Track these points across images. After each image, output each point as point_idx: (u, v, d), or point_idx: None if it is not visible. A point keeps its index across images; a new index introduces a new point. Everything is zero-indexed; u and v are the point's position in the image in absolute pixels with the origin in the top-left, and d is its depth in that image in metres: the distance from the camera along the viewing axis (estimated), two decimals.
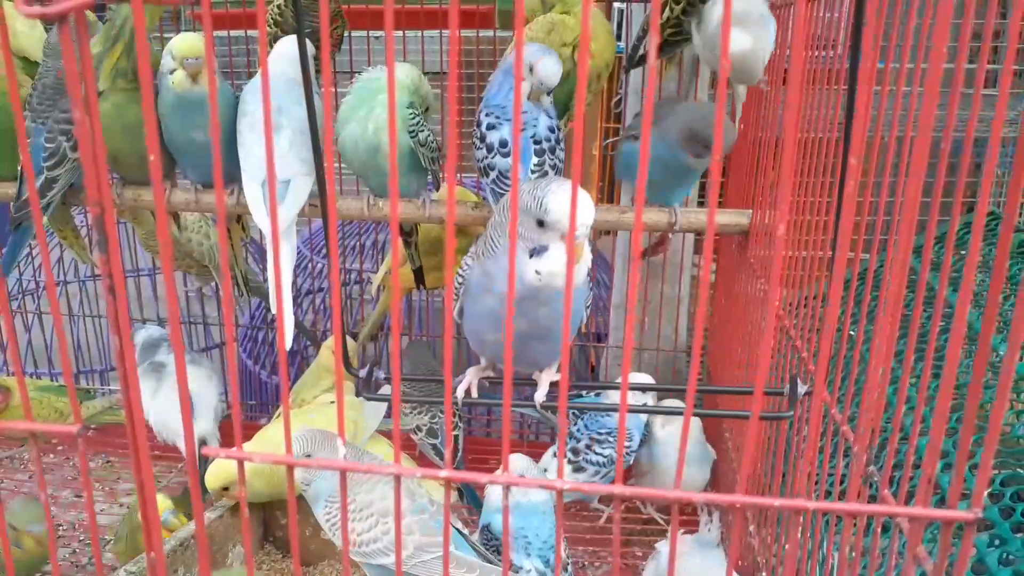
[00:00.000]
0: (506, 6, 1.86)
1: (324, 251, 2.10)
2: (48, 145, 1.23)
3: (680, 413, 1.44)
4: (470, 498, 1.54)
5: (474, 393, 0.90)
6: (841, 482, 0.74)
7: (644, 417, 1.47)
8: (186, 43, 1.18)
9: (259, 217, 1.19)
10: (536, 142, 1.04)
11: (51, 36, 1.31)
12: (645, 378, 1.47)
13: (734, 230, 1.33)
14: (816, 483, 0.82)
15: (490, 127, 1.10)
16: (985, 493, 0.49)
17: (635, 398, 1.40)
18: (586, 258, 0.74)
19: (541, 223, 0.73)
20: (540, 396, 0.86)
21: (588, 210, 0.73)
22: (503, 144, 1.07)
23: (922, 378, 0.60)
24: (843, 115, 0.84)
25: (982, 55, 0.55)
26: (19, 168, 1.31)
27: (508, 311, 0.48)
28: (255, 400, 2.12)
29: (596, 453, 1.42)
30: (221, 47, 1.81)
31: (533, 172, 1.05)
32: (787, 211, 0.45)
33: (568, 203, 0.72)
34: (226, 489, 1.34)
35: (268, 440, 1.38)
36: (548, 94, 1.10)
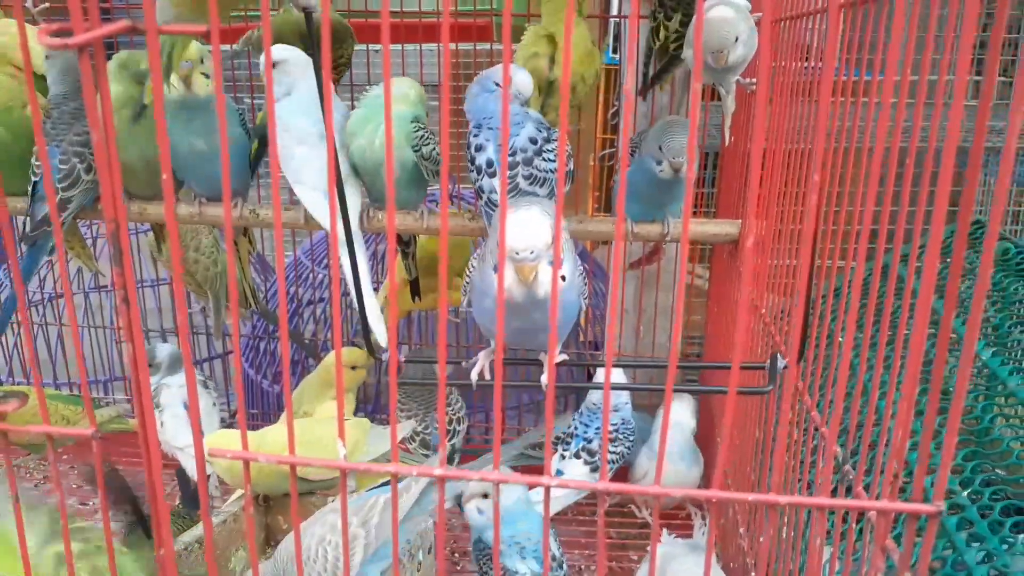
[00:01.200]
0: (515, 22, 1.90)
1: (325, 262, 2.13)
2: (62, 167, 1.27)
3: (662, 389, 1.47)
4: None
5: (487, 376, 0.95)
6: (812, 470, 0.77)
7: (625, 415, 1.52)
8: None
9: (326, 222, 1.25)
10: (511, 154, 1.09)
11: (67, 59, 1.33)
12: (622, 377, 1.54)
13: (724, 240, 1.36)
14: (799, 479, 0.85)
15: (478, 148, 1.13)
16: (946, 488, 0.52)
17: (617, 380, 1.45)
18: (540, 281, 0.79)
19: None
20: (546, 378, 0.91)
21: (527, 238, 0.78)
22: (489, 164, 1.12)
23: (891, 376, 0.63)
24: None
25: (961, 64, 0.58)
26: (29, 185, 1.35)
27: (499, 331, 0.51)
28: (257, 409, 2.15)
29: (610, 451, 1.46)
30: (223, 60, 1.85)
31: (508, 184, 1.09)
32: (754, 223, 0.48)
33: (519, 228, 0.79)
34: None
35: (272, 441, 1.40)
36: (524, 104, 1.15)
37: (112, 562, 0.63)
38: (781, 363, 0.79)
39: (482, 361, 0.99)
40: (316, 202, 1.25)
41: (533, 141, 1.12)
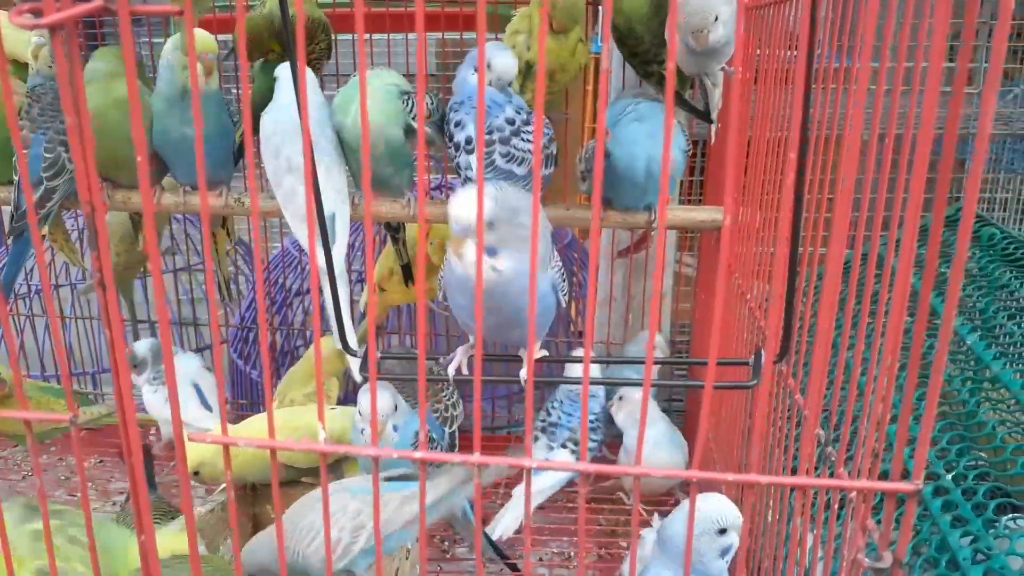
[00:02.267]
0: (505, 12, 1.89)
1: None
2: (47, 155, 1.26)
3: (639, 384, 1.48)
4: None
5: (464, 371, 0.94)
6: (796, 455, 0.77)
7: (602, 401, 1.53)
8: (202, 39, 1.23)
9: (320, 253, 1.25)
10: (488, 132, 1.09)
11: (49, 47, 1.34)
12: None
13: (711, 227, 1.37)
14: (783, 464, 0.86)
15: (458, 124, 1.14)
16: (929, 470, 0.52)
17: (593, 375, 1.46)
18: (465, 257, 0.79)
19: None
20: (524, 372, 0.90)
21: (457, 207, 0.77)
22: (468, 142, 1.12)
23: (872, 355, 0.63)
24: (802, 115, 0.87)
25: (963, 52, 0.58)
26: (15, 176, 1.34)
27: (477, 317, 0.51)
28: (246, 399, 2.15)
29: (591, 440, 1.48)
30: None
31: (485, 161, 1.09)
32: (734, 202, 0.48)
33: (461, 205, 0.78)
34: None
35: (258, 429, 1.39)
36: (508, 86, 1.15)
37: (90, 531, 0.63)
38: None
39: (459, 357, 0.97)
40: (300, 231, 1.25)
41: (511, 122, 1.12)
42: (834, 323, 0.57)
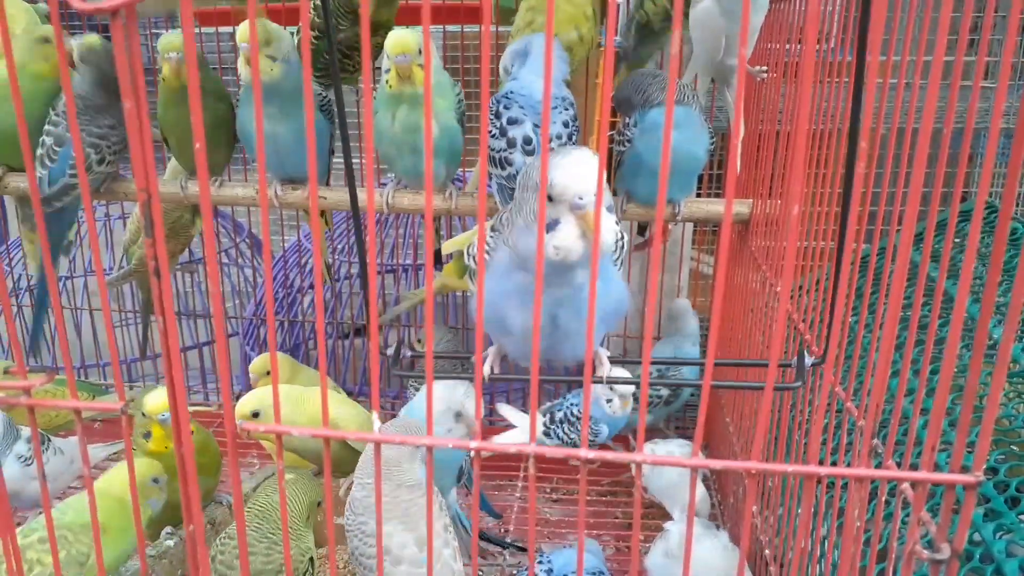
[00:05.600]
0: (507, 3, 1.88)
1: (339, 247, 2.12)
2: (75, 154, 1.27)
3: (695, 384, 1.47)
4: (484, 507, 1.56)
5: (497, 369, 0.90)
6: (846, 452, 0.77)
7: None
8: (242, 31, 1.23)
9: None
10: (557, 137, 1.05)
11: (94, 54, 1.32)
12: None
13: (734, 219, 1.36)
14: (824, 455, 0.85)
15: (512, 121, 1.08)
16: (985, 460, 0.52)
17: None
18: (607, 228, 0.70)
19: (550, 198, 0.70)
20: (607, 370, 0.84)
21: (587, 180, 0.68)
22: (527, 142, 1.07)
23: (923, 361, 0.63)
24: (841, 107, 0.87)
25: (982, 47, 0.58)
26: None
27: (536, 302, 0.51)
28: None
29: (567, 432, 1.50)
30: (210, 43, 1.83)
31: None
32: (800, 194, 0.48)
33: (573, 173, 0.69)
34: (256, 415, 1.27)
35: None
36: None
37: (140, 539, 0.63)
38: (809, 360, 0.76)
39: (492, 356, 0.90)
40: None
41: (566, 124, 1.10)
42: (895, 331, 0.57)
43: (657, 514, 1.58)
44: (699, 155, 1.26)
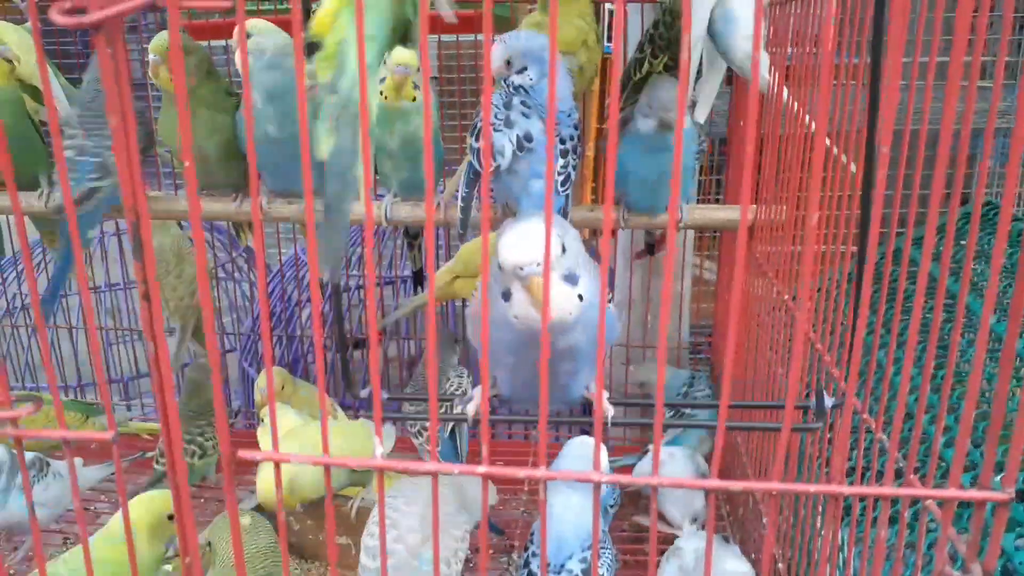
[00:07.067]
0: (501, 12, 1.87)
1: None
2: (94, 160, 1.29)
3: (707, 426, 1.43)
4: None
5: (480, 409, 0.86)
6: (864, 471, 0.74)
7: None
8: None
9: None
10: (561, 141, 1.01)
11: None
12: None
13: (735, 225, 1.34)
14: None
15: (522, 115, 1.01)
16: (1016, 477, 0.50)
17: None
18: (559, 294, 0.70)
19: (500, 267, 0.71)
20: (610, 409, 0.83)
21: (526, 251, 0.68)
22: (528, 139, 0.99)
23: (945, 377, 0.61)
24: (849, 111, 0.85)
25: (977, 47, 0.55)
26: (39, 176, 1.38)
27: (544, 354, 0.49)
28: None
29: None
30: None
31: (559, 175, 1.01)
32: (817, 202, 0.46)
33: (513, 245, 0.69)
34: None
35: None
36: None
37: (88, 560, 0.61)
38: (829, 402, 0.73)
39: (477, 397, 0.86)
40: None
41: (576, 127, 1.06)
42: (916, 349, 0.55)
43: (667, 532, 1.56)
44: (686, 162, 1.25)
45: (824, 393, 0.73)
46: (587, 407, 1.03)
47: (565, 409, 1.60)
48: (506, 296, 0.72)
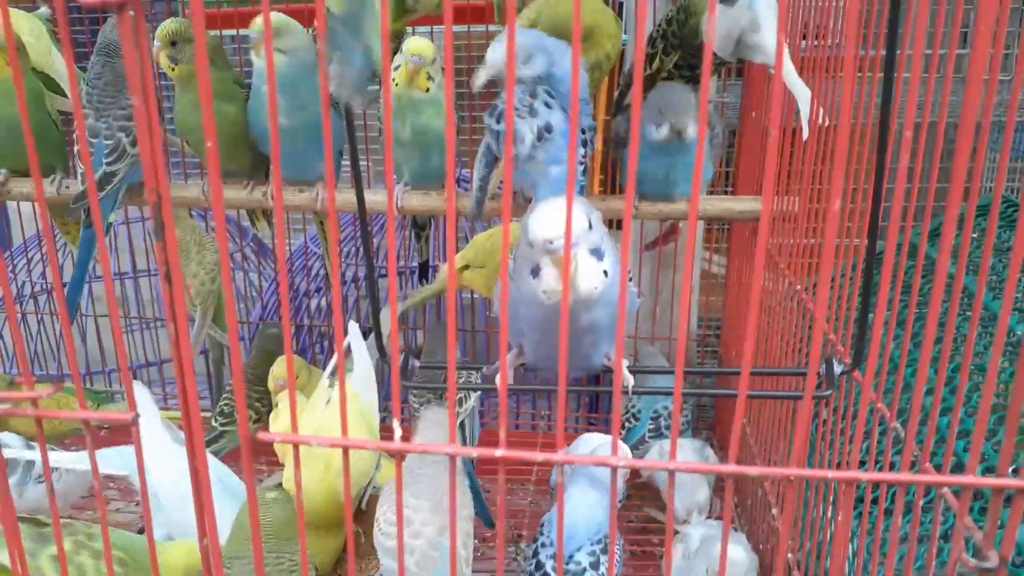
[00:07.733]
0: (500, 1, 1.85)
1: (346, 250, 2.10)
2: (107, 141, 1.28)
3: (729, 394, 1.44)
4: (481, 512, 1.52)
5: (510, 380, 0.89)
6: (877, 457, 0.74)
7: None
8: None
9: None
10: (581, 131, 1.00)
11: (104, 33, 1.34)
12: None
13: (749, 217, 1.34)
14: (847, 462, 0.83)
15: (545, 104, 1.01)
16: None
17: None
18: (580, 271, 0.72)
19: (530, 244, 0.74)
20: (631, 380, 0.84)
21: (556, 226, 0.70)
22: (548, 129, 0.99)
23: (962, 368, 0.61)
24: (865, 103, 0.85)
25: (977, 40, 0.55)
26: (57, 163, 1.38)
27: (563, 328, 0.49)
28: None
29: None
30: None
31: (578, 164, 1.01)
32: (839, 189, 0.46)
33: (543, 220, 0.71)
34: None
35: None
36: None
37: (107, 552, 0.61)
38: (838, 368, 0.74)
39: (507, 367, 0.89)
40: None
41: (591, 116, 1.07)
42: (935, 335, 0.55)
43: (675, 520, 1.56)
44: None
45: (834, 361, 0.74)
46: (598, 377, 1.12)
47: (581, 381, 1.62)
48: (535, 272, 0.74)
